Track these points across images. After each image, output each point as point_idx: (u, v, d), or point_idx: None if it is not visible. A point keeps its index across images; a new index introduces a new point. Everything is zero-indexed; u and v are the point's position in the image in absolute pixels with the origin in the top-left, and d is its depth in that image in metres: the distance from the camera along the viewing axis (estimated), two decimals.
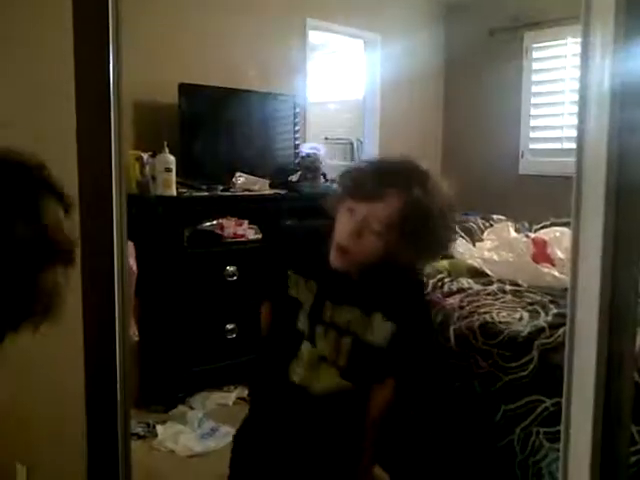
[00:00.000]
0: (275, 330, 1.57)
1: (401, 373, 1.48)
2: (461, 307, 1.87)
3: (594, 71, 0.85)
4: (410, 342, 1.44)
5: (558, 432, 1.48)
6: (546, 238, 2.36)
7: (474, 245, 2.61)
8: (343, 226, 1.32)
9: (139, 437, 2.64)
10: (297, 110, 3.64)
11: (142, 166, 2.94)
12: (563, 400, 0.90)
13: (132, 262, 2.49)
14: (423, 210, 1.27)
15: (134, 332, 2.60)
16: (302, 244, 1.55)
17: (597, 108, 0.84)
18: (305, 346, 1.46)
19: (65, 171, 1.48)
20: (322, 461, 1.49)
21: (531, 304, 1.89)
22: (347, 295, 1.42)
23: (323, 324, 1.43)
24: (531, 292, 2.02)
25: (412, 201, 1.27)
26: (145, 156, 2.94)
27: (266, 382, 1.59)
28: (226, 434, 2.67)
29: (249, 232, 3.20)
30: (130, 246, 2.44)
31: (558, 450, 1.48)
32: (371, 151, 4.29)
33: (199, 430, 2.71)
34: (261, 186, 3.30)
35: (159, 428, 2.72)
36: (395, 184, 1.29)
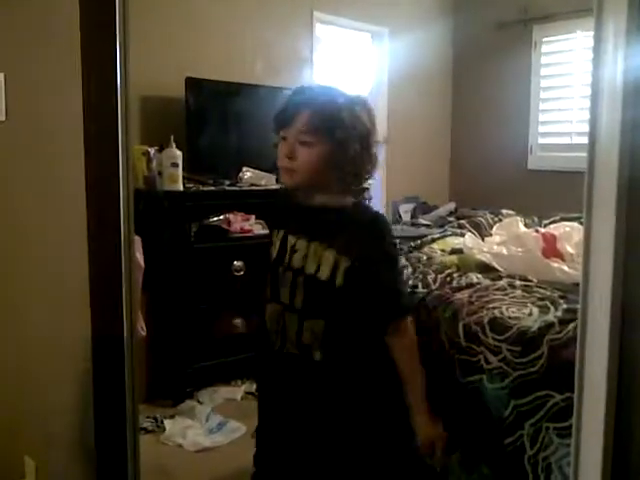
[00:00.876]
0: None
1: (359, 310, 1.49)
2: (470, 302, 1.85)
3: (607, 65, 0.84)
4: (367, 277, 1.48)
5: (568, 428, 1.48)
6: (556, 233, 2.33)
7: (483, 240, 2.59)
8: (281, 150, 1.50)
9: (147, 431, 2.65)
10: None
11: (149, 161, 2.94)
12: (575, 395, 0.89)
13: (139, 257, 2.49)
14: (333, 112, 1.46)
15: (141, 327, 2.60)
16: (276, 202, 1.71)
17: (609, 102, 0.83)
18: (270, 306, 1.55)
19: (72, 166, 1.49)
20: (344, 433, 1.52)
21: (541, 299, 1.87)
22: (304, 231, 1.52)
23: (284, 268, 1.52)
24: (541, 287, 2.00)
25: (323, 108, 1.47)
26: (152, 151, 2.94)
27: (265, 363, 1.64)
28: (234, 429, 2.68)
29: (256, 227, 3.20)
30: (137, 241, 2.44)
31: (568, 446, 1.48)
32: (378, 146, 4.27)
33: (207, 425, 2.72)
34: (268, 181, 3.29)
35: (167, 422, 2.73)
36: (308, 101, 1.49)
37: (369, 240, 1.50)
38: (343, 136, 1.46)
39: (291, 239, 1.53)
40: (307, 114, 1.46)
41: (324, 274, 1.47)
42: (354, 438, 1.52)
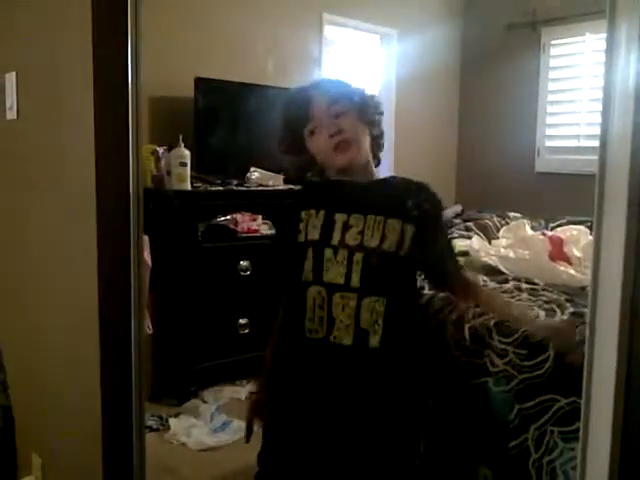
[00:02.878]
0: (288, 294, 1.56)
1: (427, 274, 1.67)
2: (476, 305, 1.85)
3: (619, 68, 0.83)
4: (429, 242, 1.51)
5: (573, 432, 1.48)
6: (563, 236, 2.33)
7: (490, 243, 2.59)
8: (320, 140, 1.51)
9: (152, 430, 2.65)
10: None
11: (157, 160, 2.95)
12: (582, 400, 0.89)
13: (146, 256, 2.50)
14: (341, 81, 1.61)
15: (148, 326, 2.61)
16: (309, 185, 1.66)
17: (621, 105, 0.83)
18: (312, 290, 1.44)
19: (82, 165, 1.49)
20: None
21: (547, 303, 1.87)
22: (355, 205, 1.48)
23: (334, 247, 1.44)
24: (547, 290, 2.00)
25: (331, 81, 1.63)
26: (160, 150, 2.95)
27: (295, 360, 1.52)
28: (238, 428, 2.68)
29: (263, 227, 3.20)
30: (144, 240, 2.45)
31: (573, 450, 1.48)
32: (385, 147, 4.27)
33: (211, 424, 2.72)
34: (275, 181, 3.30)
35: (172, 421, 2.73)
36: (316, 86, 1.57)
37: (430, 206, 1.53)
38: (360, 99, 1.55)
39: (340, 216, 1.46)
40: (322, 92, 1.52)
41: (391, 245, 1.42)
42: (394, 429, 1.48)
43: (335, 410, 1.46)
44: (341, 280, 1.41)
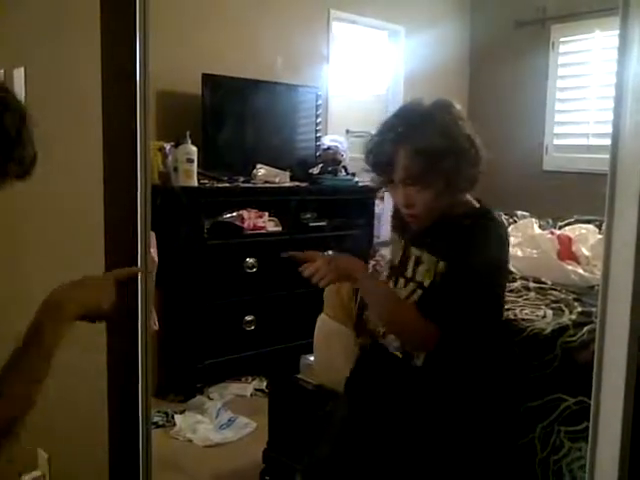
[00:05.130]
0: None
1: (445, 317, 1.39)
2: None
3: (632, 65, 0.83)
4: (456, 281, 1.41)
5: (580, 431, 1.47)
6: (571, 235, 2.32)
7: None
8: (395, 196, 1.51)
9: (158, 426, 2.66)
10: (319, 102, 3.62)
11: (164, 156, 2.95)
12: (592, 400, 0.89)
13: (153, 252, 2.50)
14: (431, 148, 1.41)
15: (154, 322, 2.62)
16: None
17: (634, 103, 0.82)
18: None
19: (90, 162, 1.49)
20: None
21: (555, 302, 1.86)
22: (419, 243, 1.52)
23: (405, 279, 1.53)
24: (555, 290, 1.99)
25: (419, 148, 1.41)
26: (167, 146, 2.95)
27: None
28: (243, 425, 2.69)
29: (269, 224, 3.20)
30: (151, 236, 2.45)
31: (579, 450, 1.47)
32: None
33: (217, 420, 2.72)
34: (282, 178, 3.30)
35: (177, 418, 2.74)
36: (401, 141, 1.44)
37: (470, 252, 1.41)
38: (450, 162, 1.42)
39: (414, 251, 1.53)
40: (406, 161, 1.42)
41: (433, 282, 1.45)
42: (440, 446, 1.49)
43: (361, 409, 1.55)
44: None
